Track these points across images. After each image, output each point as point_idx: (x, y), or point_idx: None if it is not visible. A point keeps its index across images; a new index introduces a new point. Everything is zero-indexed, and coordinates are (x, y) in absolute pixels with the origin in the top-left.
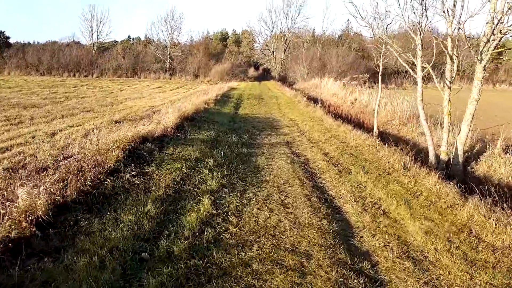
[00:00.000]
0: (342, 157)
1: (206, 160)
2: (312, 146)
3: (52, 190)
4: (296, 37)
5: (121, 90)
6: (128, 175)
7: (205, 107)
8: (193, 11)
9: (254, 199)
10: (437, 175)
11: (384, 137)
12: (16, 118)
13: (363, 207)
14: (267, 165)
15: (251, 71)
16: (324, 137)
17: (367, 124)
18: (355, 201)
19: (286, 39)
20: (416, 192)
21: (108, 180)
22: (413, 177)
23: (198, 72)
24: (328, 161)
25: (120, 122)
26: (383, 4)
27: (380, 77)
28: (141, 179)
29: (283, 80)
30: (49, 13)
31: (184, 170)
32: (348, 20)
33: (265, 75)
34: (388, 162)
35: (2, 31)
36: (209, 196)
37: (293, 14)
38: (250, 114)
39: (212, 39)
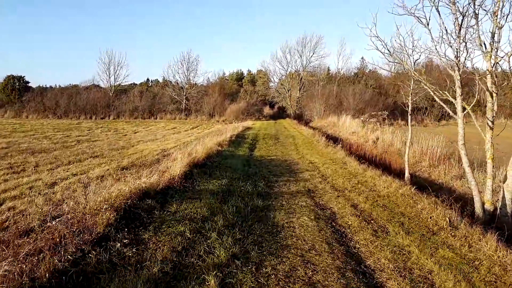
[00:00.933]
0: (374, 210)
1: (215, 219)
2: (338, 196)
3: (20, 269)
4: (311, 76)
5: (135, 132)
6: (118, 244)
7: (219, 149)
8: (209, 53)
9: (273, 275)
10: (495, 237)
11: (415, 181)
12: (20, 166)
13: (412, 284)
14: (287, 222)
15: (266, 110)
16: (350, 184)
17: (394, 166)
18: (400, 275)
19: (301, 78)
20: (473, 261)
21: (93, 252)
22: (465, 239)
23: (214, 112)
24: (359, 216)
25: (127, 169)
26: (409, 39)
27: (410, 117)
28: (134, 250)
29: (299, 118)
30: (72, 58)
31: (188, 234)
32: (362, 58)
33: (280, 113)
34: (430, 218)
35: (22, 76)
36: (216, 273)
37: (308, 54)
38: (266, 156)
39: (228, 79)
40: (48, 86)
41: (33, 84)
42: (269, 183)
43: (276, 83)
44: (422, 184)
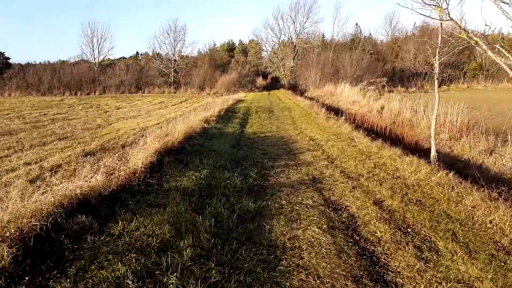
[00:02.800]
0: (408, 210)
1: (182, 244)
2: (354, 187)
3: None
4: (305, 43)
5: (118, 108)
6: None
7: (204, 127)
8: (199, 24)
9: None
10: None
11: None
12: None
13: None
14: (290, 239)
15: (259, 81)
16: (365, 168)
17: (407, 139)
18: None
19: (294, 46)
20: None
21: None
22: None
23: (204, 84)
24: (389, 222)
25: (92, 154)
26: None
27: (436, 81)
28: None
29: (294, 88)
30: (58, 33)
31: (130, 283)
32: (356, 24)
33: (274, 84)
34: (491, 222)
35: (2, 52)
36: None
37: (301, 20)
38: (259, 133)
39: (219, 50)
40: (36, 62)
41: (16, 61)
42: (263, 170)
43: (268, 52)
44: (445, 162)
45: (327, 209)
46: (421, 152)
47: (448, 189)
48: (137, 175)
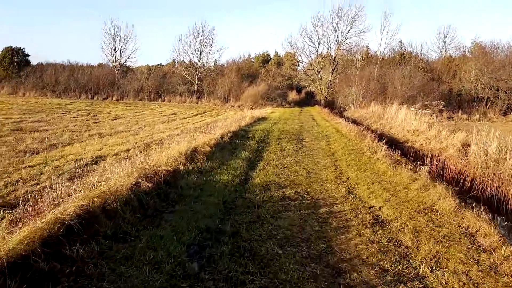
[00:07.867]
0: None
1: None
2: None
3: None
4: (347, 55)
5: (115, 119)
6: None
7: (179, 169)
8: (235, 34)
9: None
10: None
11: None
12: None
13: None
14: None
15: (292, 95)
16: None
17: None
18: None
19: (334, 58)
20: None
21: None
22: None
23: (229, 96)
24: None
25: None
26: None
27: None
28: None
29: (331, 105)
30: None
31: None
32: (400, 41)
33: (308, 99)
34: None
35: (21, 48)
36: None
37: (344, 29)
38: (274, 187)
39: (253, 62)
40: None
41: (36, 59)
42: None
43: (304, 64)
44: None
45: None
46: None
47: None
48: None
